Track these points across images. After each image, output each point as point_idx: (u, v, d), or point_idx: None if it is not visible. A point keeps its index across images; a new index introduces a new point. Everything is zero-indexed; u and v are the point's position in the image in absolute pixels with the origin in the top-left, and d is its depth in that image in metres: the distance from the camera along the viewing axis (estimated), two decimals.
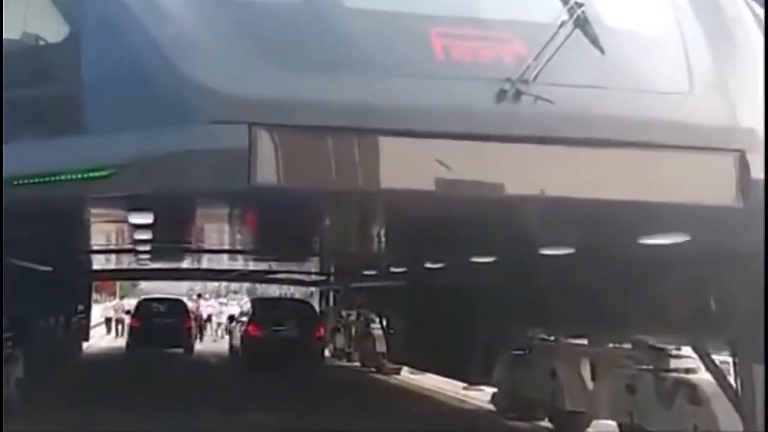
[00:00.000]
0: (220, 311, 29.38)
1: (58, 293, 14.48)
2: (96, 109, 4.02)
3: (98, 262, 14.61)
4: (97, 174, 3.77)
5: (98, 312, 28.72)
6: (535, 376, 9.65)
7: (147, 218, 5.54)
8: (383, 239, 8.34)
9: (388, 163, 4.18)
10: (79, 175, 3.80)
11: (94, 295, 33.10)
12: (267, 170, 3.97)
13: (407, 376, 15.90)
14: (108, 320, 28.44)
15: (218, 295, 36.82)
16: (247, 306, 20.24)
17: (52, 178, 3.85)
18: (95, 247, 11.20)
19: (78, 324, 17.73)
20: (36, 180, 3.85)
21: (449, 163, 4.20)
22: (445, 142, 4.17)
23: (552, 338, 9.94)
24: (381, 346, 16.42)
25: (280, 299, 20.21)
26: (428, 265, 10.93)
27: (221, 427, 8.96)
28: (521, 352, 10.24)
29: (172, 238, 8.83)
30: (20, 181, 3.88)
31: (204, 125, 3.85)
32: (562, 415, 9.08)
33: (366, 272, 14.48)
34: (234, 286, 45.66)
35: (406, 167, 4.19)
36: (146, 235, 7.89)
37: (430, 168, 4.15)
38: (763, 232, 4.29)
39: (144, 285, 41.75)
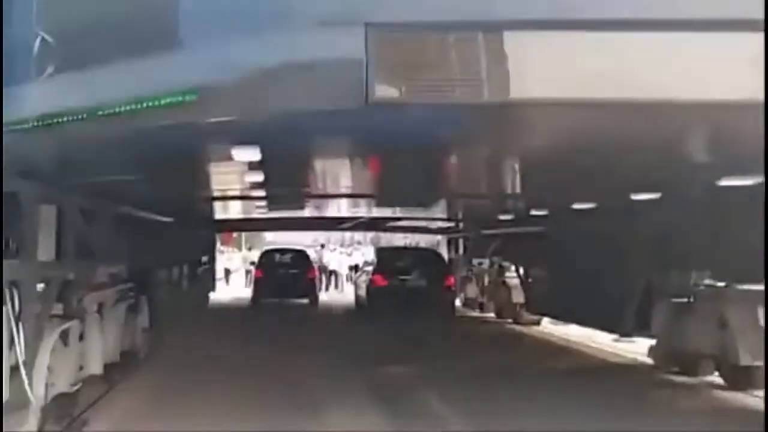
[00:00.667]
0: (345, 262, 29.73)
1: (181, 244, 14.84)
2: (182, 21, 3.58)
3: (219, 211, 14.85)
4: (184, 98, 3.34)
5: (225, 264, 29.91)
6: (701, 327, 8.78)
7: (254, 154, 5.18)
8: (522, 174, 7.67)
9: (535, 68, 3.49)
10: (165, 101, 3.39)
11: (222, 248, 34.92)
12: (387, 82, 3.39)
13: (548, 327, 15.21)
14: (228, 272, 29.45)
15: (342, 246, 37.29)
16: (372, 256, 20.15)
17: (138, 105, 3.47)
18: (213, 194, 11.25)
19: (204, 275, 18.29)
20: (122, 108, 3.49)
21: (609, 62, 3.46)
22: (605, 36, 3.43)
23: (721, 284, 8.94)
24: (518, 296, 15.77)
25: (406, 248, 19.91)
26: (575, 206, 10.17)
27: (354, 383, 8.73)
28: (684, 300, 9.32)
29: (287, 179, 8.57)
30: (107, 110, 3.54)
31: (311, 28, 3.31)
32: (735, 370, 8.24)
33: (501, 217, 13.86)
34: (357, 236, 46.25)
35: (559, 71, 3.48)
36: (259, 177, 7.67)
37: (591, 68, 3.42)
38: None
39: (269, 237, 43.33)
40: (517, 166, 7.26)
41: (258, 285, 20.08)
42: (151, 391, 8.11)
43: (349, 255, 30.56)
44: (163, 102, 3.43)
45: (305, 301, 20.04)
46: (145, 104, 3.47)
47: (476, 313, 18.52)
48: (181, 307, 14.41)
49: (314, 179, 8.73)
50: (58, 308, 6.38)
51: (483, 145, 5.65)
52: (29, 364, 5.22)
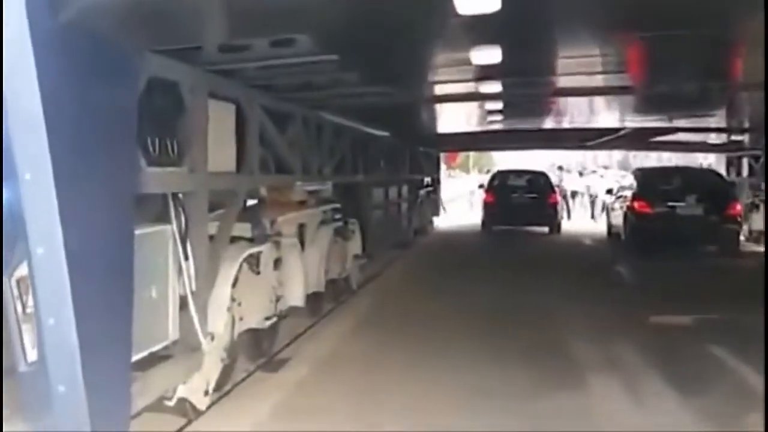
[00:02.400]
0: (588, 186, 27.98)
1: (399, 162, 14.26)
2: None
3: (444, 125, 13.97)
4: None
5: (451, 187, 29.40)
6: None
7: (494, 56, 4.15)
8: None
9: None
10: None
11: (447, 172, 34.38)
12: None
13: None
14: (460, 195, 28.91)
15: (583, 169, 34.96)
16: (627, 179, 18.23)
17: None
18: (438, 101, 10.36)
19: (426, 198, 17.73)
20: None
21: None
22: None
23: None
24: None
25: (676, 168, 17.46)
26: None
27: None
28: None
29: (526, 84, 7.43)
30: None
31: None
32: None
33: None
34: (601, 157, 43.53)
35: None
36: (494, 87, 6.63)
37: None
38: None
39: (498, 161, 42.09)
40: None
41: (489, 210, 19.18)
42: (361, 327, 7.55)
43: (602, 177, 28.59)
44: None
45: (545, 229, 18.89)
46: None
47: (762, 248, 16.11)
48: (399, 232, 13.95)
49: (554, 80, 7.47)
50: (245, 230, 5.88)
51: None
52: (202, 295, 4.69)
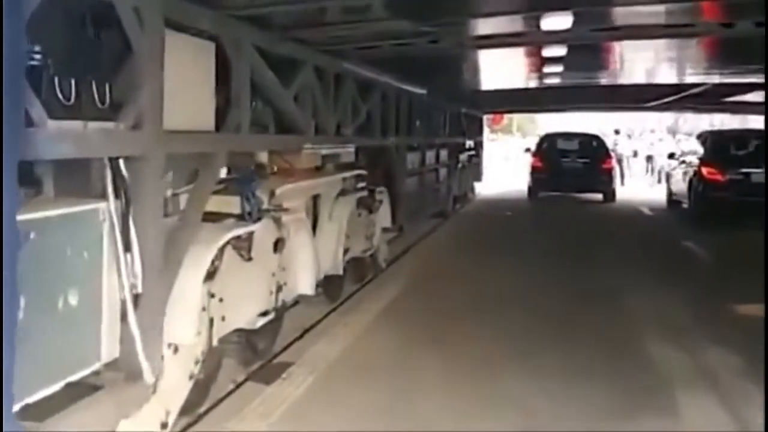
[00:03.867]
0: (641, 149, 26.34)
1: (436, 123, 12.85)
2: None
3: (488, 81, 12.47)
4: None
5: (494, 151, 27.76)
6: None
7: None
8: None
9: None
10: None
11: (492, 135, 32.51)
12: None
13: None
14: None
15: (631, 133, 32.93)
16: (690, 144, 16.51)
17: None
18: (482, 58, 8.92)
19: (468, 163, 16.29)
20: None
21: None
22: None
23: None
24: None
25: (750, 131, 15.57)
26: None
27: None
28: None
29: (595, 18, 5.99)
30: None
31: None
32: None
33: None
34: (650, 121, 41.32)
35: None
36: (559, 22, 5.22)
37: None
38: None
39: (543, 123, 39.87)
40: None
41: (537, 175, 17.70)
42: (386, 318, 6.27)
43: (660, 140, 26.86)
44: None
45: (598, 196, 17.39)
46: None
47: None
48: (437, 200, 12.60)
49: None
50: (233, 205, 4.62)
51: None
52: (154, 297, 3.45)
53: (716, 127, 24.16)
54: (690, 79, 11.70)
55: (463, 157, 15.68)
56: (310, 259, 5.59)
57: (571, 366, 5.02)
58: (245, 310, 4.65)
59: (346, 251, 6.75)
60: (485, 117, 21.32)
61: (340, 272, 6.51)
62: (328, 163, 6.80)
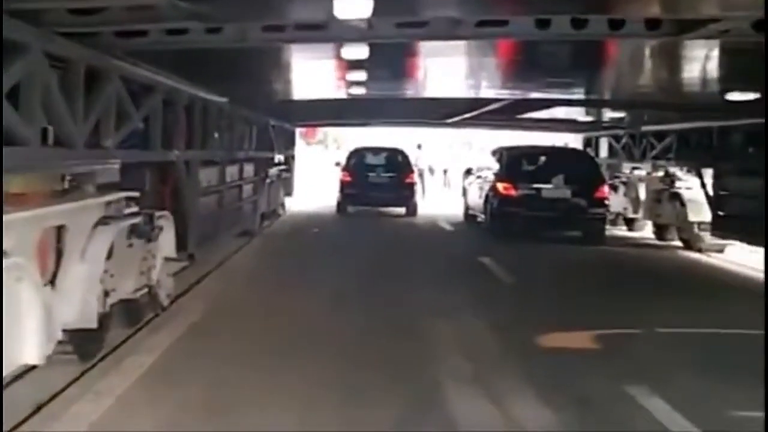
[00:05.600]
0: (443, 163, 25.99)
1: (240, 135, 11.11)
2: None
3: (298, 90, 10.94)
4: None
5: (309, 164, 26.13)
6: None
7: None
8: None
9: None
10: None
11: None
12: None
13: (739, 256, 10.99)
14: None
15: (434, 147, 32.87)
16: (483, 159, 15.84)
17: None
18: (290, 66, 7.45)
19: (278, 178, 14.62)
20: None
21: None
22: None
23: None
24: (697, 213, 11.50)
25: (542, 147, 15.12)
26: None
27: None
28: None
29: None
30: None
31: None
32: None
33: (672, 102, 9.56)
34: (453, 135, 41.67)
35: None
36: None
37: None
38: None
39: (355, 136, 38.83)
40: None
41: (344, 190, 16.41)
42: (150, 385, 4.52)
43: (456, 156, 26.56)
44: None
45: (401, 210, 16.37)
46: None
47: (623, 232, 14.32)
48: (241, 219, 10.87)
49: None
50: None
51: None
52: None
53: (510, 144, 24.05)
54: (488, 94, 10.78)
55: (273, 171, 14.00)
56: (33, 323, 3.73)
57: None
58: None
59: (108, 294, 4.92)
60: (298, 130, 19.70)
61: (94, 325, 4.65)
62: (84, 185, 4.94)
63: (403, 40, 5.01)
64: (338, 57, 6.18)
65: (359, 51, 5.71)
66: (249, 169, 11.35)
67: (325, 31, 4.96)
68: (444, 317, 6.55)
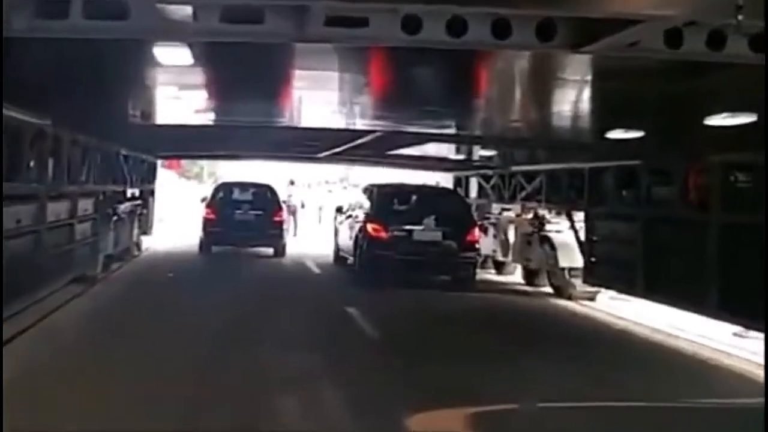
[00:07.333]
0: (316, 200, 24.57)
1: (77, 169, 9.24)
2: None
3: (146, 115, 9.18)
4: None
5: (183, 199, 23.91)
6: None
7: None
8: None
9: None
10: None
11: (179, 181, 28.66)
12: None
13: (612, 304, 10.22)
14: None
15: (312, 184, 31.52)
16: (356, 197, 14.56)
17: None
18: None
19: (130, 215, 12.70)
20: None
21: None
22: None
23: None
24: (568, 258, 10.67)
25: (414, 186, 13.96)
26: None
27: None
28: None
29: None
30: None
31: None
32: None
33: (544, 140, 8.79)
34: (327, 171, 40.38)
35: None
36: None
37: None
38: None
39: (230, 170, 36.46)
40: None
41: (208, 229, 14.64)
42: None
43: (330, 192, 25.23)
44: None
45: (269, 250, 14.80)
46: None
47: (492, 276, 13.38)
48: (74, 264, 8.96)
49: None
50: None
51: None
52: None
53: (382, 182, 22.96)
54: (356, 125, 9.48)
55: (123, 207, 12.08)
56: None
57: None
58: None
59: None
60: (161, 162, 17.64)
61: None
62: None
63: (231, 40, 3.57)
64: (158, 63, 4.64)
65: (179, 55, 4.22)
66: (86, 204, 9.47)
67: (129, 21, 3.46)
68: (295, 388, 5.16)
